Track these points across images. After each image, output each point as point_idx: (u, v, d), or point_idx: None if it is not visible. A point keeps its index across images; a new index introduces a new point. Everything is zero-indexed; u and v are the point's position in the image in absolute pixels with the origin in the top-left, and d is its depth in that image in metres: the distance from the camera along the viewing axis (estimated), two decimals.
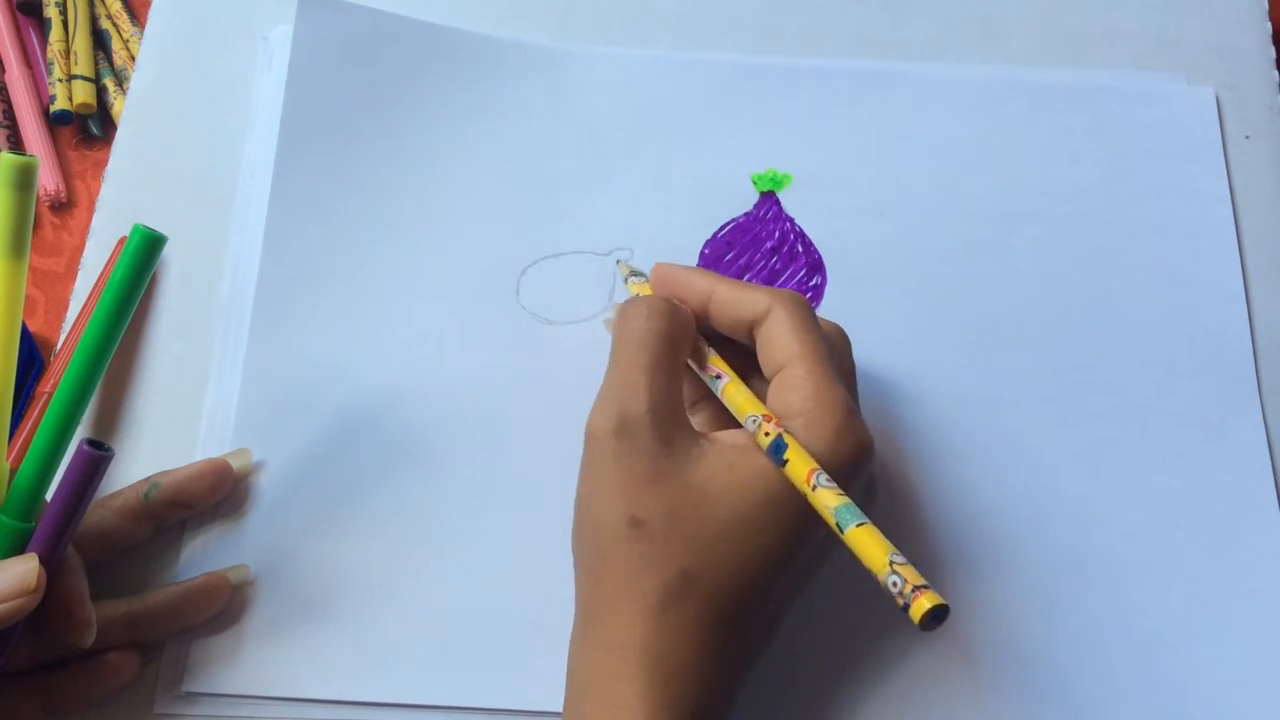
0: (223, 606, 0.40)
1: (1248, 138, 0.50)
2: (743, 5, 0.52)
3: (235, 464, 0.42)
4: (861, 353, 0.41)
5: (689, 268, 0.41)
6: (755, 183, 0.48)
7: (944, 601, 0.31)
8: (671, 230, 0.47)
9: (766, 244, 0.47)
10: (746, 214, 0.48)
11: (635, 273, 0.44)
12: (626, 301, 0.40)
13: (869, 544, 0.33)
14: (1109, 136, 0.50)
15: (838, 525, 0.33)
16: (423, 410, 0.44)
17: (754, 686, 0.38)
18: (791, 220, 0.48)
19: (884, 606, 0.41)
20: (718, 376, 0.39)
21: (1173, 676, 0.41)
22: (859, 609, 0.41)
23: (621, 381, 0.38)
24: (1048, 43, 0.52)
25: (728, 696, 0.36)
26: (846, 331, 0.41)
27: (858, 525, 0.33)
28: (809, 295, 0.47)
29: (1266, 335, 0.47)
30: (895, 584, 0.32)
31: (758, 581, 0.36)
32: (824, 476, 0.34)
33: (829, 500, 0.34)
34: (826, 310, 0.46)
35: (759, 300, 0.39)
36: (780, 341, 0.38)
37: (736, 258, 0.47)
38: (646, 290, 0.42)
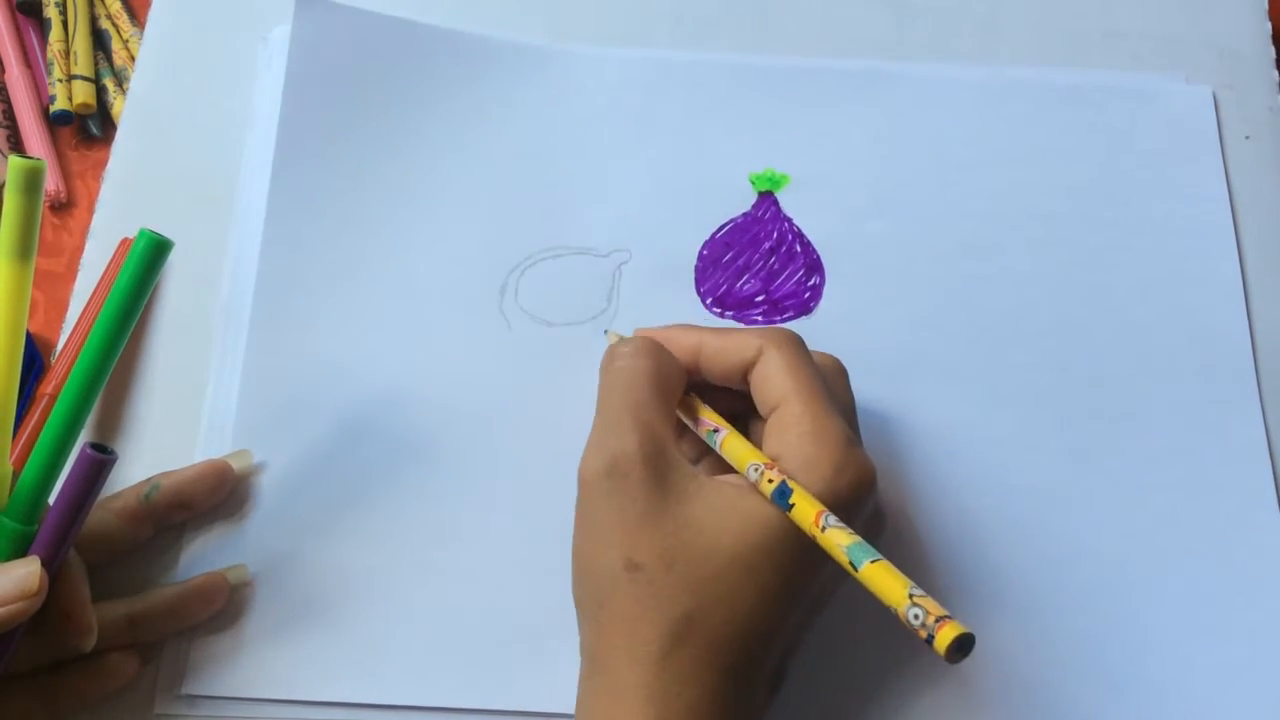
0: (221, 606, 0.40)
1: (1247, 138, 0.50)
2: (742, 5, 0.52)
3: (236, 465, 0.42)
4: (860, 352, 0.41)
5: (673, 325, 0.41)
6: (753, 183, 0.48)
7: (968, 631, 0.31)
8: (669, 230, 0.47)
9: (764, 244, 0.47)
10: (745, 214, 0.48)
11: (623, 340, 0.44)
12: (612, 344, 0.40)
13: (886, 580, 0.32)
14: (1108, 136, 0.50)
15: (851, 564, 0.33)
16: (422, 411, 0.44)
17: None
18: (790, 220, 0.48)
19: (881, 622, 0.41)
20: (715, 431, 0.38)
21: (1172, 675, 0.41)
22: (853, 622, 0.41)
23: (609, 422, 0.37)
24: (1048, 43, 0.52)
25: None
26: (841, 362, 0.40)
27: (872, 562, 0.33)
28: (807, 295, 0.47)
29: (1266, 334, 0.47)
30: (917, 617, 0.31)
31: (760, 625, 0.35)
32: (832, 518, 0.34)
33: (840, 539, 0.33)
34: (825, 310, 0.46)
35: (749, 343, 0.38)
36: (774, 380, 0.37)
37: (735, 258, 0.47)
38: None
